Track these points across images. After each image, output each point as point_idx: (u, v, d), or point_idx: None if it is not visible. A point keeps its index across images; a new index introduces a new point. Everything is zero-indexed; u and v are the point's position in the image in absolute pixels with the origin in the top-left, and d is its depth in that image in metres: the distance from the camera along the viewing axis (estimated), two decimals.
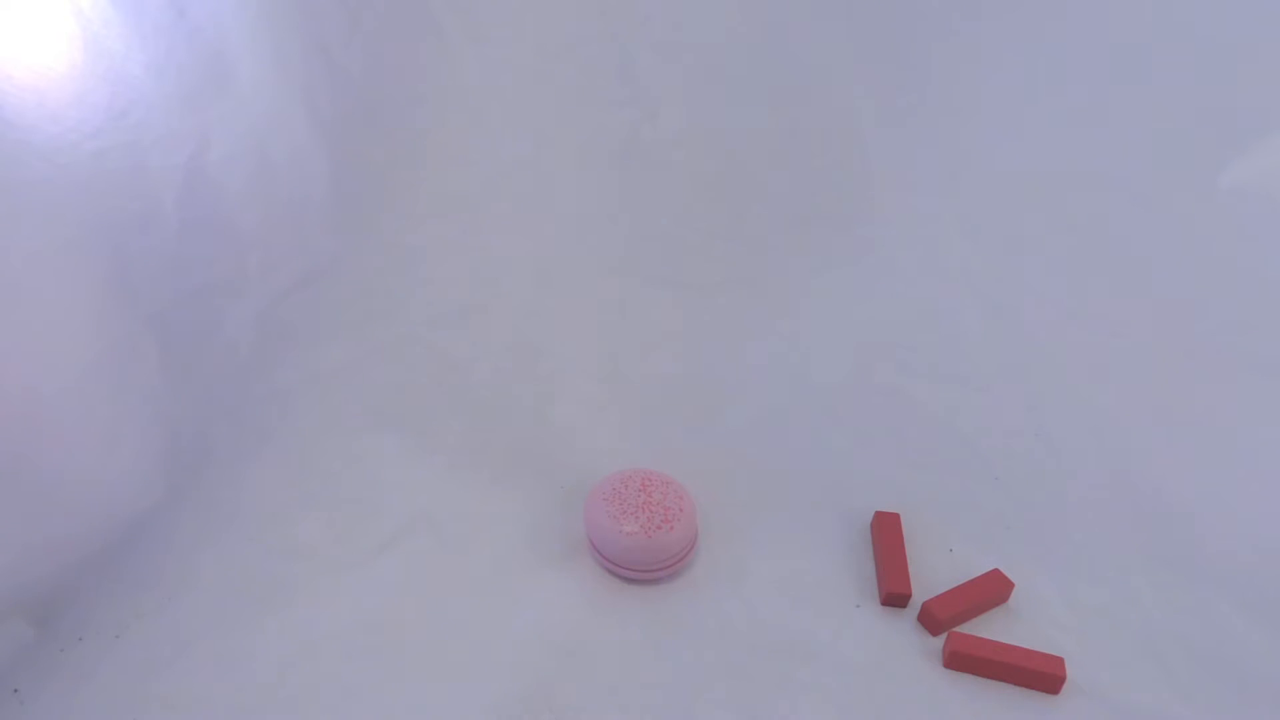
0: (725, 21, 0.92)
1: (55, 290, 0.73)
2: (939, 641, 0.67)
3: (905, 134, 0.93)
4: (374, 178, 0.93)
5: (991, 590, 0.70)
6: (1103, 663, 0.66)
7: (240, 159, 0.86)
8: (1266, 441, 0.79)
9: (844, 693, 0.64)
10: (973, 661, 0.65)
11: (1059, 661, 0.64)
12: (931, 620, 0.68)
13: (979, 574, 0.71)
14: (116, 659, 0.65)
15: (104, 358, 0.75)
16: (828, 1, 0.90)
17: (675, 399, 0.88)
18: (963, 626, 0.69)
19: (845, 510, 0.78)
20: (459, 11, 0.91)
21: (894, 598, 0.70)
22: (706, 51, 0.93)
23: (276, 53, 0.86)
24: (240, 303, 0.88)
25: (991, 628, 0.68)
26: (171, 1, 0.81)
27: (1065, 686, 0.64)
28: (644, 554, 0.69)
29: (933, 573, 0.72)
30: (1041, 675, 0.64)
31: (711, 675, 0.65)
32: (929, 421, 0.86)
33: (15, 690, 0.63)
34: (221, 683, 0.64)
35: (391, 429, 0.84)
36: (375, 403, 0.86)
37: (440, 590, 0.70)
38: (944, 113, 0.92)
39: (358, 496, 0.78)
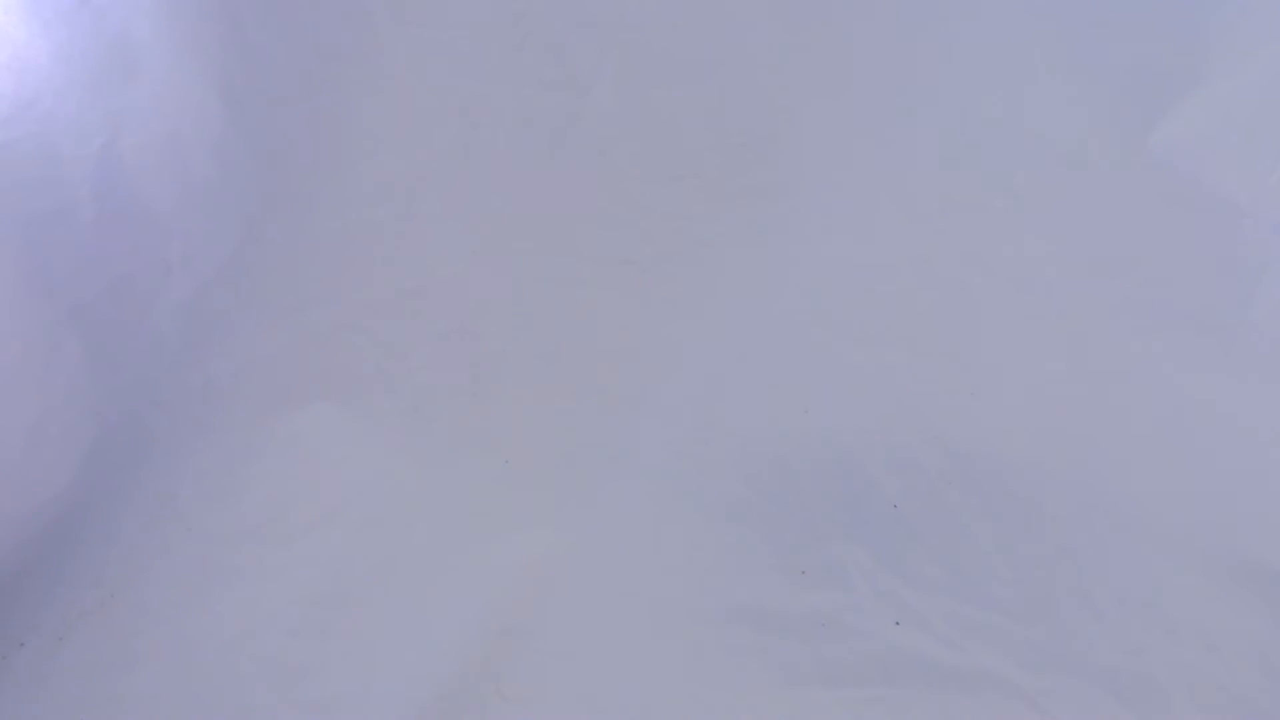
0: None
1: None
2: None
3: (835, 103, 0.93)
4: (300, 162, 0.92)
5: None
6: (1036, 607, 0.68)
7: (155, 146, 0.84)
8: (1192, 395, 0.81)
9: (791, 652, 0.65)
10: None
11: None
12: None
13: None
14: (62, 661, 0.65)
15: (24, 357, 0.74)
16: None
17: (615, 375, 0.88)
18: None
19: (782, 473, 0.79)
20: None
21: None
22: (636, 29, 0.93)
23: (189, 35, 0.84)
24: (165, 292, 0.86)
25: (931, 578, 0.70)
26: None
27: None
28: None
29: (877, 529, 0.74)
30: None
31: (664, 650, 0.65)
32: (868, 385, 0.87)
33: None
34: (169, 673, 0.63)
35: (331, 413, 0.83)
36: (313, 389, 0.85)
37: (385, 567, 0.70)
38: (874, 80, 0.92)
39: (298, 477, 0.77)
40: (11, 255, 0.75)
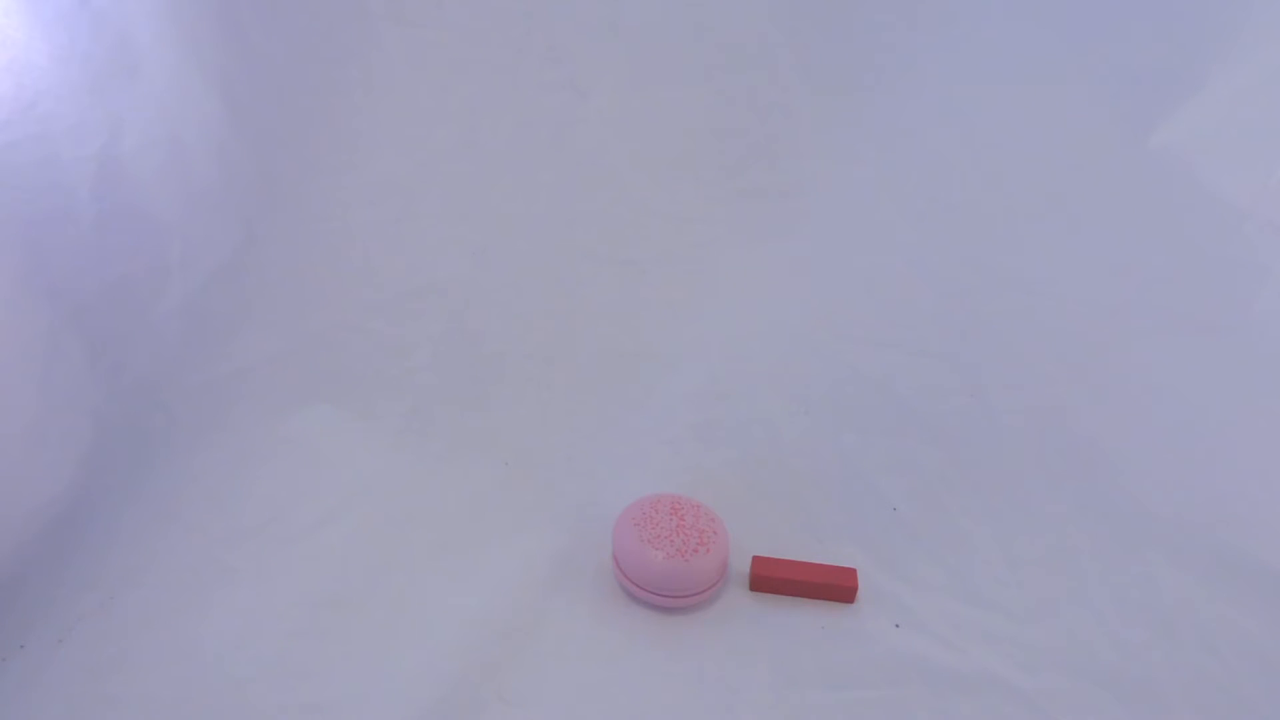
0: None
1: None
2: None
3: (837, 104, 0.94)
4: (300, 163, 0.92)
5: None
6: (1035, 608, 0.68)
7: (154, 147, 0.84)
8: (1192, 397, 0.81)
9: (791, 653, 0.65)
10: (774, 583, 0.68)
11: (851, 573, 0.68)
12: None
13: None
14: (61, 664, 0.64)
15: (24, 357, 0.74)
16: None
17: (615, 374, 0.89)
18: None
19: (782, 474, 0.79)
20: None
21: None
22: (635, 30, 0.93)
23: (189, 37, 0.84)
24: (165, 294, 0.86)
25: (931, 580, 0.70)
26: None
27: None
28: (679, 579, 0.66)
29: (877, 532, 0.74)
30: (837, 588, 0.68)
31: (664, 652, 0.65)
32: (868, 384, 0.87)
33: None
34: (168, 674, 0.63)
35: (331, 414, 0.83)
36: (314, 389, 0.85)
37: (385, 568, 0.70)
38: (877, 82, 0.93)
39: (298, 477, 0.77)
40: (12, 256, 0.75)
